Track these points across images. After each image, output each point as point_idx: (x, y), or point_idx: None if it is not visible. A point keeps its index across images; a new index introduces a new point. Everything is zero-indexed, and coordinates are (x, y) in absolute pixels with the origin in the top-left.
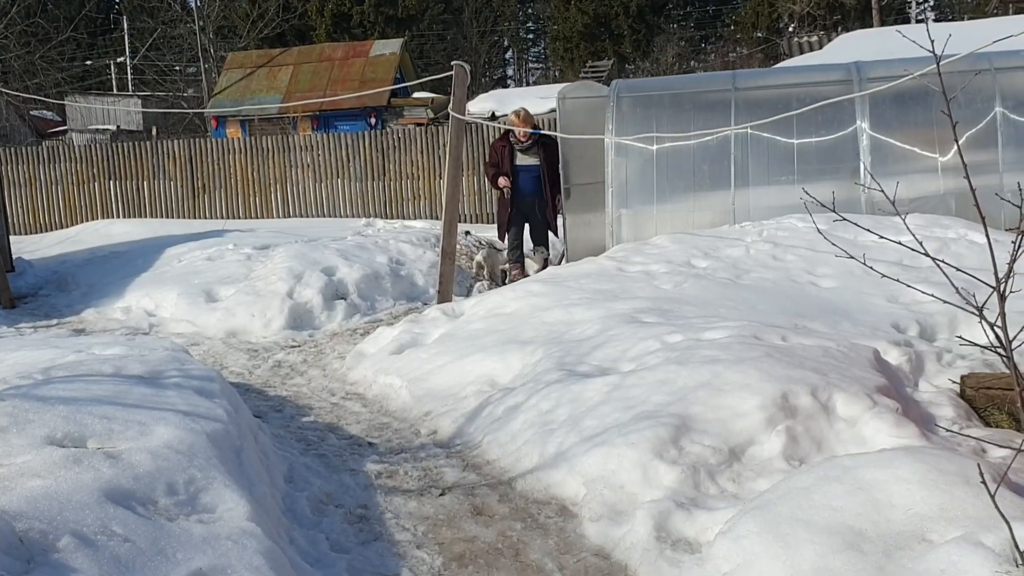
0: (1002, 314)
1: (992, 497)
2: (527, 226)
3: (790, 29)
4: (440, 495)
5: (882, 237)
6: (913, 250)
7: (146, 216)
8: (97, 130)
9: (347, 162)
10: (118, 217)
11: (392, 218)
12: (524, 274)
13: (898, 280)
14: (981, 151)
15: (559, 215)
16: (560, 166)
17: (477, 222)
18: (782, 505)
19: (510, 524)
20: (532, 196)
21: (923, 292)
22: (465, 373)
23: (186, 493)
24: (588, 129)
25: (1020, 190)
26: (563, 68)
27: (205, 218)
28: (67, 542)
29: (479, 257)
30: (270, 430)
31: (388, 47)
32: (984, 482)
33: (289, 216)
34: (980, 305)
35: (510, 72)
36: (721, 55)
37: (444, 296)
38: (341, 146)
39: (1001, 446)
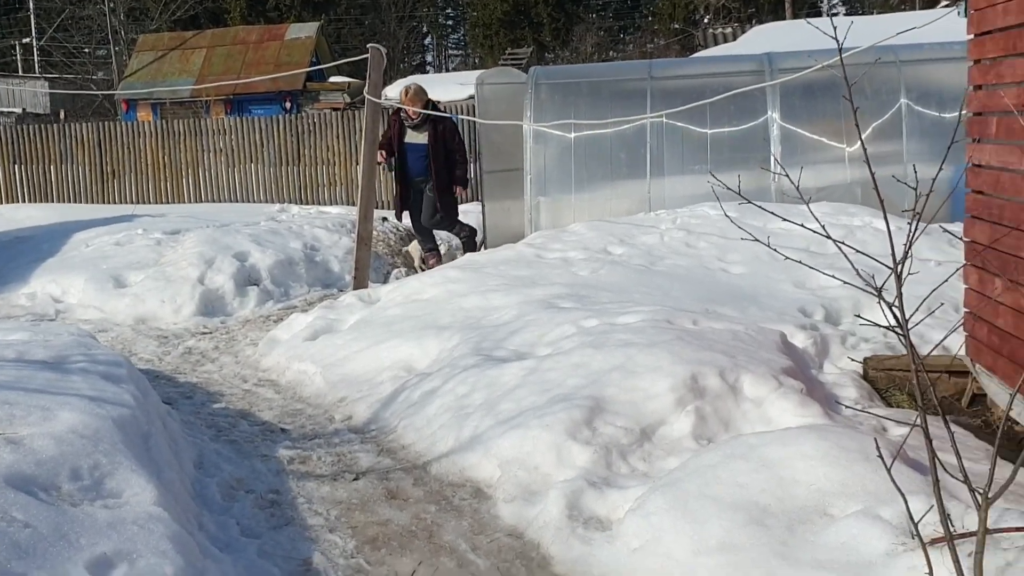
0: (899, 295)
1: (889, 472)
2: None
3: (706, 20)
4: (354, 480)
5: (786, 219)
6: (816, 233)
7: (53, 201)
8: (1, 112)
9: (261, 147)
10: (24, 202)
11: (307, 204)
12: (441, 261)
13: (801, 263)
14: (886, 142)
15: (456, 197)
16: (471, 148)
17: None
18: (690, 482)
19: (424, 507)
20: (420, 176)
21: (826, 275)
22: (381, 359)
23: (91, 478)
24: (506, 115)
25: (915, 172)
26: (483, 55)
27: (115, 203)
28: None
29: (409, 247)
30: (180, 416)
31: (304, 30)
32: (881, 457)
33: (201, 201)
34: (879, 287)
35: (429, 58)
36: (639, 45)
37: (360, 282)
38: (255, 130)
39: (900, 423)
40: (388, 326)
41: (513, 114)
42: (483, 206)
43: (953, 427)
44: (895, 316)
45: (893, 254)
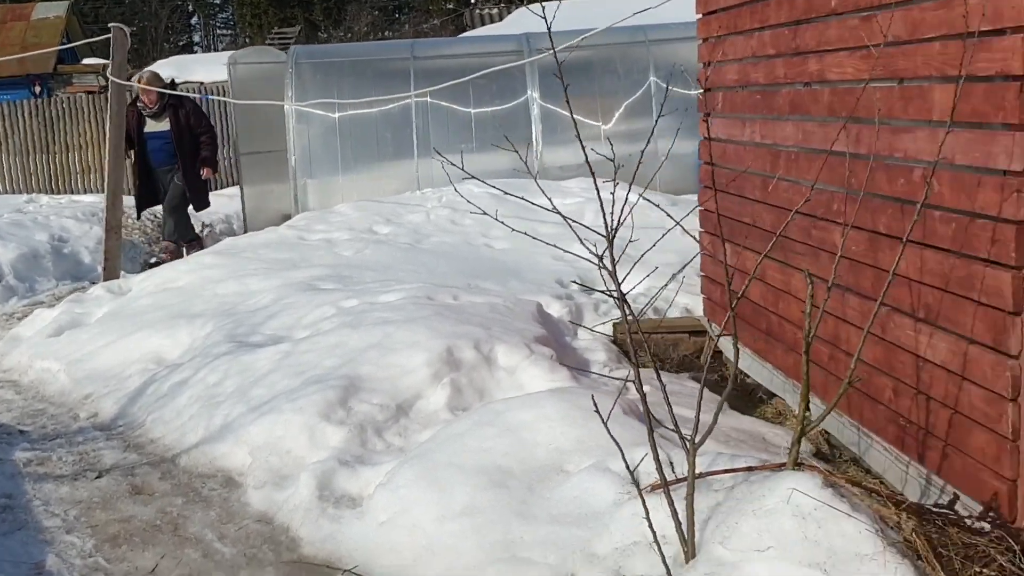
0: (611, 259)
1: (605, 425)
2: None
3: (472, 1)
4: (96, 478)
5: (526, 200)
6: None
7: None
8: None
9: (7, 135)
10: None
11: (59, 193)
12: (177, 256)
13: (527, 234)
14: (638, 119)
15: (206, 181)
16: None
17: None
18: (439, 452)
19: (171, 500)
20: (166, 165)
21: (556, 247)
22: (129, 352)
23: None
24: (264, 95)
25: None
26: (252, 35)
27: None
28: None
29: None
30: None
31: (53, 10)
32: (598, 412)
33: None
34: (600, 254)
35: (197, 38)
36: (414, 25)
37: (111, 273)
38: None
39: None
40: (138, 317)
41: (272, 94)
42: (242, 190)
43: (691, 383)
44: (613, 280)
45: (606, 222)
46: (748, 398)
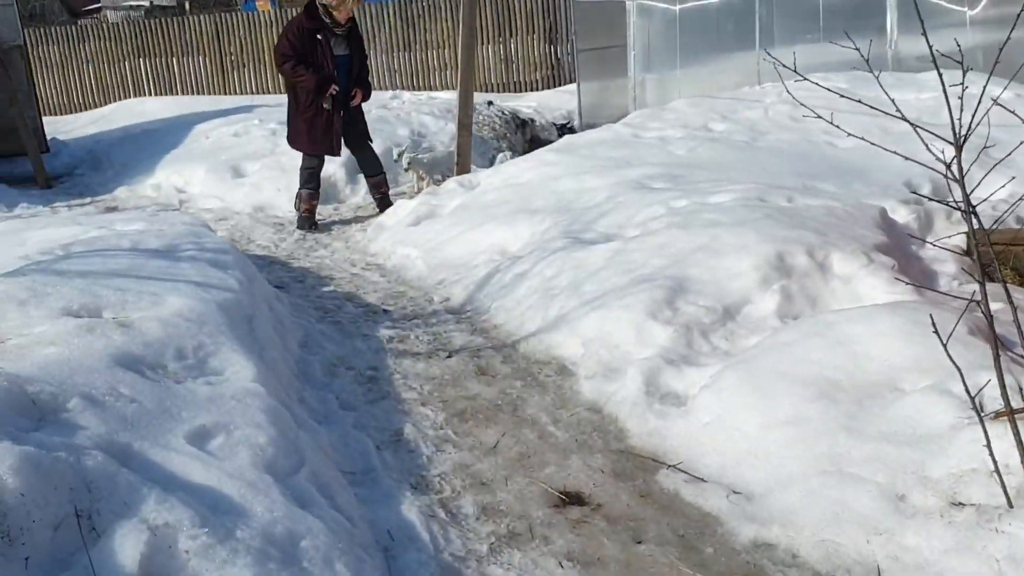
0: (959, 166)
1: (944, 346)
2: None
3: None
4: (447, 357)
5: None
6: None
7: (176, 93)
8: (131, 7)
9: (374, 34)
10: (149, 95)
11: (419, 90)
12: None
13: (864, 139)
14: (1013, 2)
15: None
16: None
17: (506, 91)
18: (764, 359)
19: (511, 383)
20: (343, 95)
21: (893, 152)
22: (477, 242)
23: (194, 358)
24: None
25: None
26: None
27: (235, 94)
28: (76, 403)
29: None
30: (290, 299)
31: None
32: (937, 333)
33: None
34: (947, 162)
35: None
36: None
37: (462, 168)
38: (366, 17)
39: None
40: (484, 210)
41: None
42: (578, 86)
43: None
44: (961, 190)
45: (953, 125)
46: None
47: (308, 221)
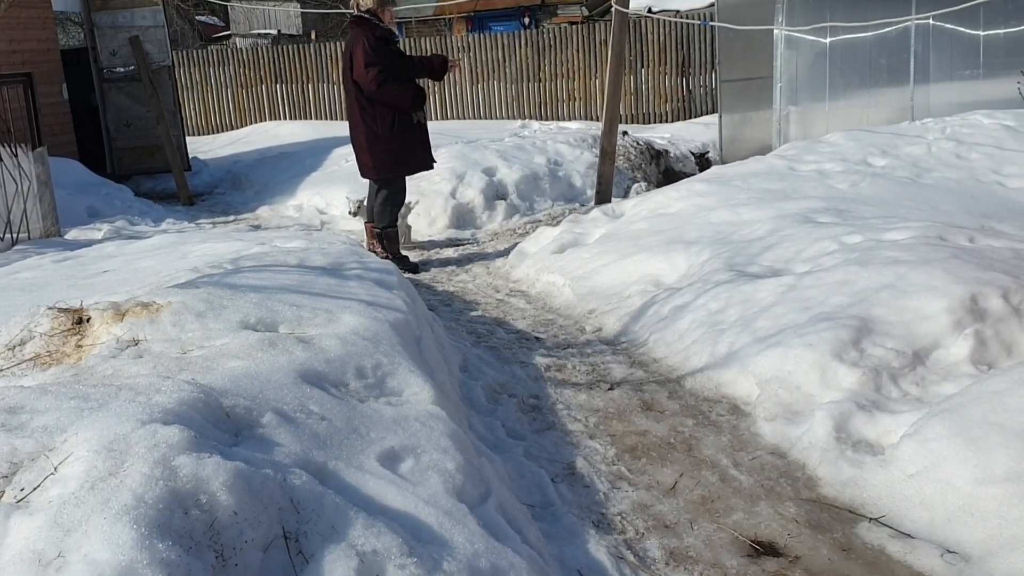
0: None
1: None
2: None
3: None
4: (609, 389)
5: None
6: None
7: (311, 118)
8: (259, 34)
9: (502, 63)
10: (285, 119)
11: (547, 119)
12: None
13: None
14: None
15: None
16: (707, 60)
17: (634, 122)
18: (972, 408)
19: (681, 420)
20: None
21: None
22: (628, 272)
23: (374, 377)
24: (748, 21)
25: None
26: None
27: None
28: (269, 418)
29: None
30: (442, 322)
31: None
32: None
33: (447, 118)
34: None
35: None
36: None
37: (603, 197)
38: (497, 47)
39: None
40: (634, 240)
41: (757, 19)
42: (720, 118)
43: None
44: None
45: None
46: None
47: (408, 262)
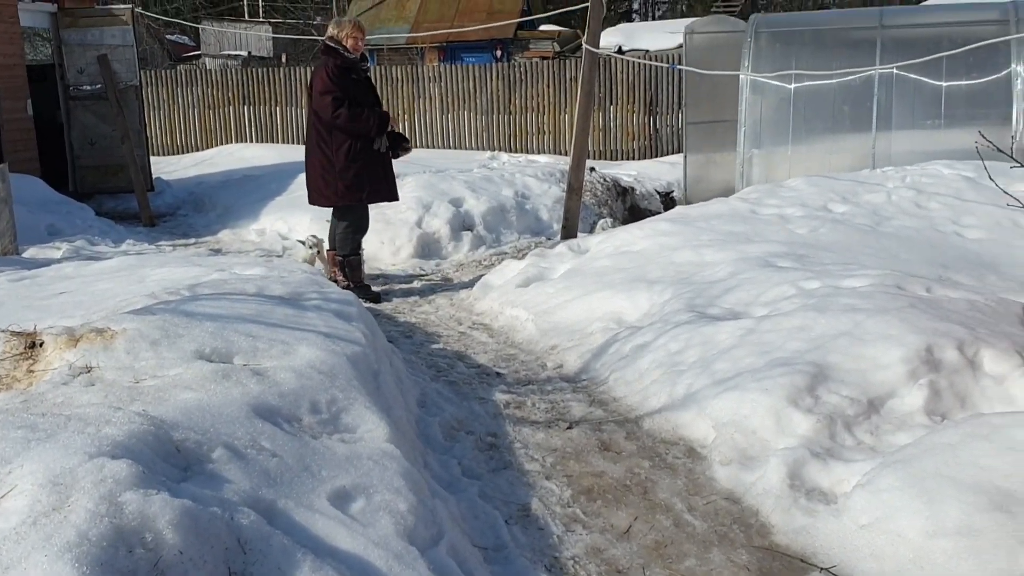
0: None
1: None
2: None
3: None
4: (567, 428)
5: None
6: None
7: (278, 142)
8: (229, 56)
9: (473, 94)
10: (251, 141)
11: (516, 152)
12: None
13: None
14: None
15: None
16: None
17: (602, 159)
18: (926, 460)
19: (638, 461)
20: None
21: None
22: (591, 309)
23: (328, 413)
24: (715, 65)
25: None
26: (691, 3)
27: None
28: (220, 453)
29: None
30: (402, 355)
31: None
32: None
33: (416, 147)
34: None
35: (635, 6)
36: None
37: (569, 232)
38: (468, 78)
39: None
40: (598, 277)
41: (724, 63)
42: (685, 158)
43: None
44: None
45: None
46: None
47: (370, 291)
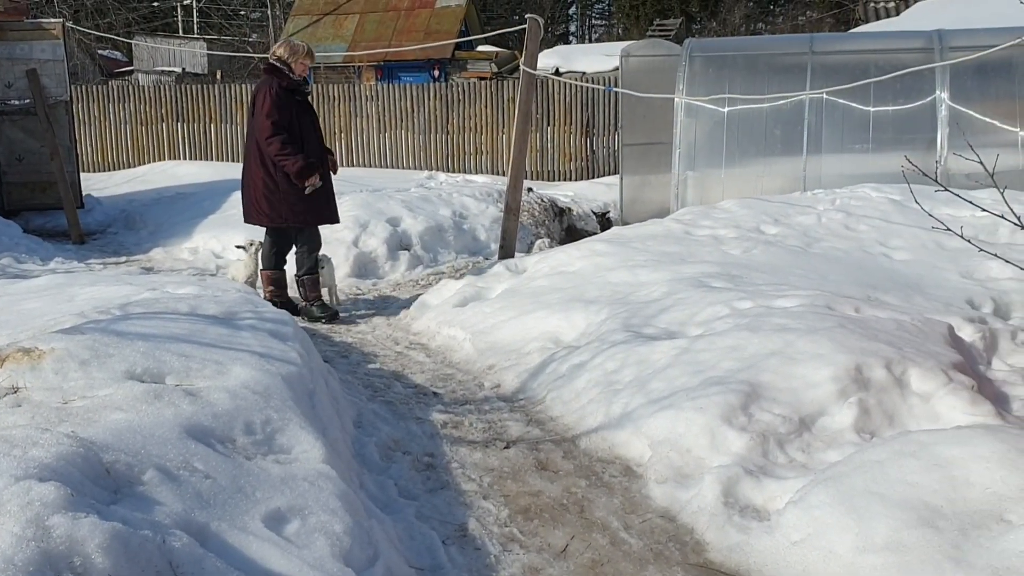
0: None
1: None
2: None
3: None
4: (505, 448)
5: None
6: (996, 216)
7: (212, 159)
8: (163, 72)
9: (411, 113)
10: (185, 159)
11: (454, 171)
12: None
13: (982, 249)
14: None
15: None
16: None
17: (539, 179)
18: (855, 477)
19: (575, 480)
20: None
21: (1010, 262)
22: (528, 329)
23: (263, 433)
24: (651, 88)
25: None
26: (628, 26)
27: None
28: (151, 475)
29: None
30: (338, 375)
31: None
32: None
33: (353, 165)
34: None
35: (572, 28)
36: (790, 18)
37: (507, 251)
38: (406, 97)
39: None
40: (535, 297)
41: (658, 86)
42: (621, 179)
43: None
44: None
45: None
46: None
47: (329, 308)
